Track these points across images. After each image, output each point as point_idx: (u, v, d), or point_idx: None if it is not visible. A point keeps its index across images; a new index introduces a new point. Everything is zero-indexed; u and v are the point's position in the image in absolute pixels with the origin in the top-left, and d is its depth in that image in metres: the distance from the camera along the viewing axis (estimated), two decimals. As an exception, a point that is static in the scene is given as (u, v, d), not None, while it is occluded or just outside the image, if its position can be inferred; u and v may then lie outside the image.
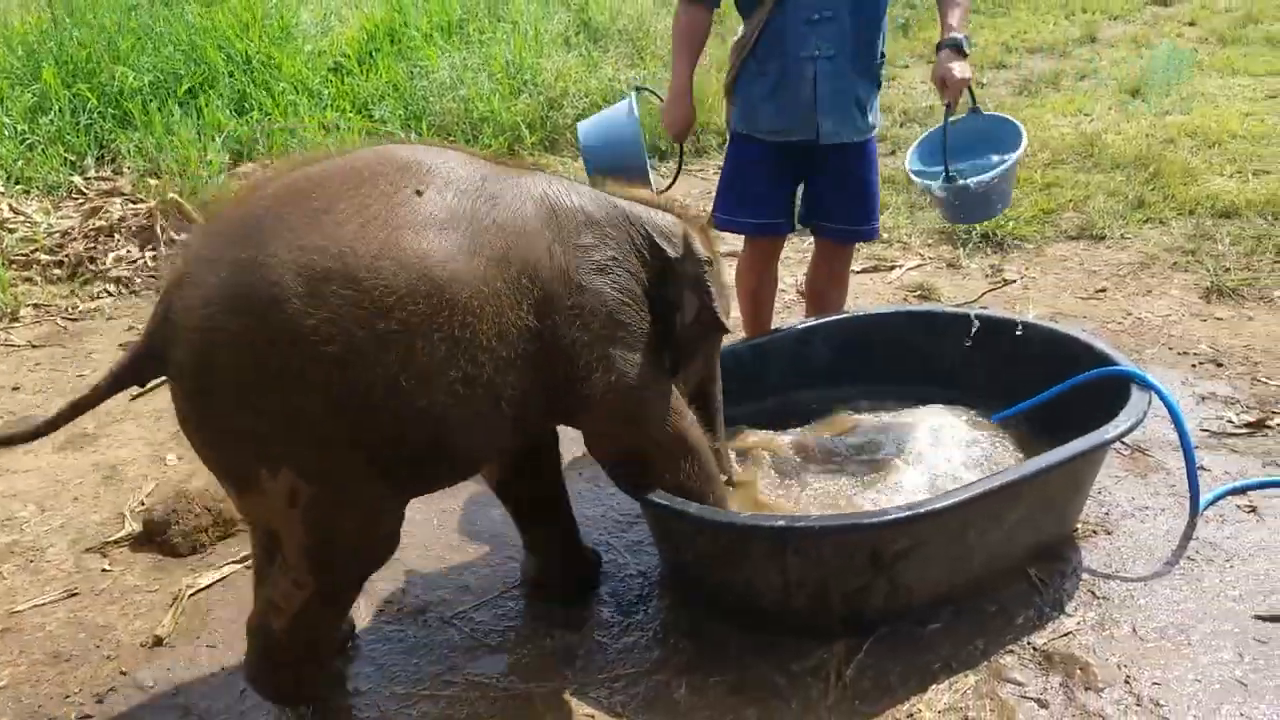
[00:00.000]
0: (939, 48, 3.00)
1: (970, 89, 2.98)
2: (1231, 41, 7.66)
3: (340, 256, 1.82)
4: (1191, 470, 2.76)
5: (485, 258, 1.97)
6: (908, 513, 2.25)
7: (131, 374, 1.94)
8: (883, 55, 3.13)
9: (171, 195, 4.93)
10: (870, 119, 3.12)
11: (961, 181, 2.92)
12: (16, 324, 4.26)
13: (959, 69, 2.92)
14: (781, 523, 2.31)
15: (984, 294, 4.33)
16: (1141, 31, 8.20)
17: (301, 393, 1.83)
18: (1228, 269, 4.29)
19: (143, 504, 3.08)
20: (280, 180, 1.96)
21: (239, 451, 1.93)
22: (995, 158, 2.96)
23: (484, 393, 1.99)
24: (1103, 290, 4.29)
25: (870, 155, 3.19)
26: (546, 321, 2.08)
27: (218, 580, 2.76)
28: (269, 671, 2.17)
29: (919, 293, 4.34)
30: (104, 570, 2.82)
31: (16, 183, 5.12)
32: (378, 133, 5.91)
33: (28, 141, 5.33)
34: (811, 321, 3.26)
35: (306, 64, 6.39)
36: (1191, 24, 8.34)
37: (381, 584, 2.70)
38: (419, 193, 1.95)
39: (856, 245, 3.68)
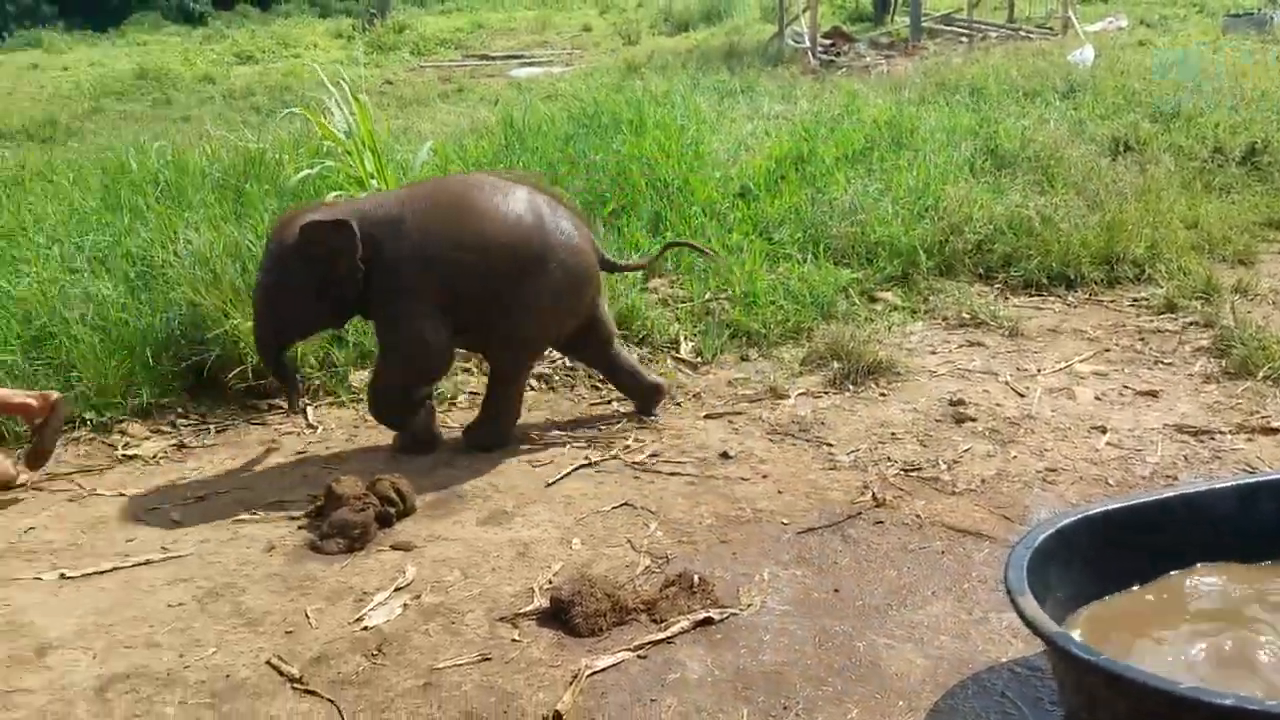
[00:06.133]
0: None
1: None
2: None
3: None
4: None
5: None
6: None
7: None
8: None
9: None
10: None
11: None
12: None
13: None
14: (1230, 701, 2.03)
15: None
16: None
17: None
18: None
19: (550, 582, 3.29)
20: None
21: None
22: None
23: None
24: None
25: None
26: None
27: (612, 665, 2.87)
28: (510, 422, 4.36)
29: None
30: (514, 640, 3.03)
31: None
32: (777, 254, 6.11)
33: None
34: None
35: (716, 188, 6.77)
36: None
37: None
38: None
39: None
